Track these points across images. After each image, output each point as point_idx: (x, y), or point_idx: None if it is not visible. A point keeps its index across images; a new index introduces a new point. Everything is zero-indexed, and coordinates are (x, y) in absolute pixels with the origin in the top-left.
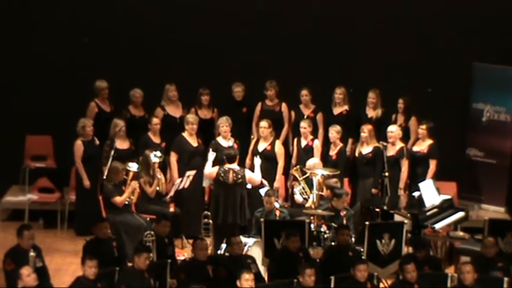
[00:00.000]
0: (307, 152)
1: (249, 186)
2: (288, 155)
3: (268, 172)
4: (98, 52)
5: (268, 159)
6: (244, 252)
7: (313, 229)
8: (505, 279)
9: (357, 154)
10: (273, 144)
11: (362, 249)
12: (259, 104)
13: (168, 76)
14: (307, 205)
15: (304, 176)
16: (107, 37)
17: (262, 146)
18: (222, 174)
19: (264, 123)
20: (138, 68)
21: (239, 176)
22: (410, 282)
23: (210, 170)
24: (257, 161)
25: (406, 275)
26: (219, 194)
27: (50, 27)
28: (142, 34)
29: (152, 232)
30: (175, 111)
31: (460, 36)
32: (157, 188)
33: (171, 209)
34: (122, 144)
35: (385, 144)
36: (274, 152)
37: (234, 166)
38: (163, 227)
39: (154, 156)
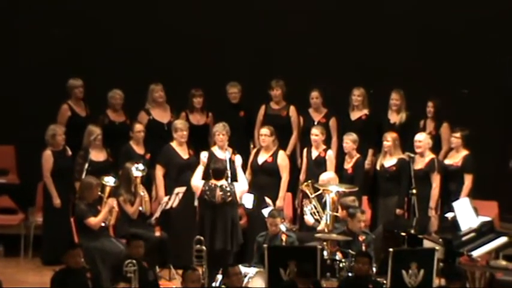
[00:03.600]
0: (319, 164)
1: (249, 205)
2: (295, 168)
3: (271, 188)
4: (72, 46)
5: (270, 173)
6: (244, 285)
7: (326, 257)
8: None
9: (378, 167)
10: (275, 155)
11: (385, 281)
12: (263, 107)
13: (154, 75)
14: (319, 228)
15: (316, 193)
16: (83, 29)
17: (262, 157)
18: (208, 192)
19: (265, 131)
20: (118, 66)
21: (228, 194)
22: None
23: (195, 183)
24: (237, 159)
25: None
26: (205, 215)
27: (12, 16)
28: (125, 27)
29: (134, 261)
30: (162, 115)
31: (501, 27)
32: (140, 208)
33: (157, 233)
34: (97, 155)
35: (412, 155)
36: (276, 165)
37: (222, 182)
38: (135, 248)
39: (136, 170)
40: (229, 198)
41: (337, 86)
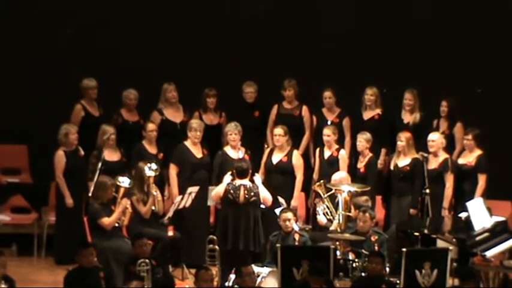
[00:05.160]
0: (332, 164)
1: (262, 205)
2: (308, 168)
3: (285, 188)
4: (84, 45)
5: (285, 172)
6: (257, 285)
7: (339, 257)
8: None
9: (391, 167)
10: (289, 154)
11: (398, 281)
12: (275, 107)
13: (167, 74)
14: (331, 228)
15: (329, 193)
16: (95, 28)
17: (277, 157)
18: (232, 191)
19: (279, 130)
20: (132, 65)
21: (252, 194)
22: None
23: (217, 189)
24: (257, 179)
25: None
26: (228, 215)
27: (25, 16)
28: (138, 26)
29: (147, 260)
30: (175, 115)
31: None
32: (153, 208)
33: (170, 233)
34: (111, 155)
35: (425, 155)
36: (291, 164)
37: (246, 182)
38: (140, 247)
39: (149, 170)
40: (253, 198)
41: (350, 85)
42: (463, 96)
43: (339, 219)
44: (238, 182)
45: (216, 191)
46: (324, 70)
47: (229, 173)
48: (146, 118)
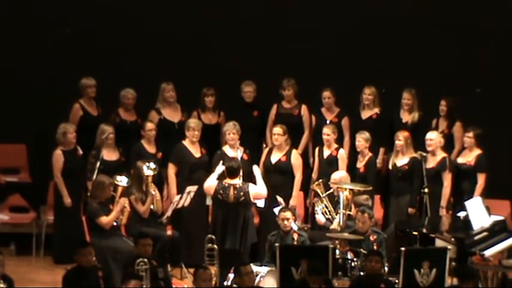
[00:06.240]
0: (331, 163)
1: (261, 204)
2: (307, 167)
3: (284, 187)
4: (82, 45)
5: (283, 172)
6: (255, 284)
7: (338, 256)
8: None
9: (390, 166)
10: (288, 154)
11: (397, 281)
12: (274, 107)
13: (165, 73)
14: (332, 227)
15: (328, 192)
16: (92, 28)
17: (275, 156)
18: (221, 191)
19: (277, 130)
20: (130, 65)
21: (241, 193)
22: None
23: (209, 183)
24: (256, 169)
25: None
26: (218, 214)
27: (25, 15)
28: (135, 25)
29: (146, 260)
30: (173, 115)
31: None
32: (152, 207)
33: (168, 232)
34: (109, 154)
35: (424, 154)
36: (290, 164)
37: (236, 181)
38: (143, 246)
39: (148, 169)
40: (242, 198)
41: (349, 84)
42: (462, 96)
43: (339, 218)
44: (228, 181)
45: (208, 185)
46: (323, 70)
47: (221, 162)
48: (144, 118)
